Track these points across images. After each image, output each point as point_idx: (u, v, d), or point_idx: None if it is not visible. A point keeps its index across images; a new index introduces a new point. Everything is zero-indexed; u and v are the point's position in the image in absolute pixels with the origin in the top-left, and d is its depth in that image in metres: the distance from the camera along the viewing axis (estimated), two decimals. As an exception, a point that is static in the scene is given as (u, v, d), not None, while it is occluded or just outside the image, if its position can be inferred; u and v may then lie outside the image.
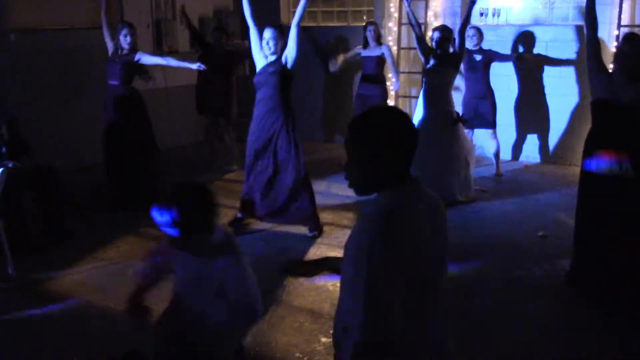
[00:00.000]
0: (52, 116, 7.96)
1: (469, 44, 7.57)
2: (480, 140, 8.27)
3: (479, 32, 7.65)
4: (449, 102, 6.77)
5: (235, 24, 10.21)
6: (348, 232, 5.97)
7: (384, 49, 8.13)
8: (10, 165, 5.32)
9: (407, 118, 2.01)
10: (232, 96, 8.62)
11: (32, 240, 5.53)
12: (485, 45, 7.83)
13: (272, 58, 5.64)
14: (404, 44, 9.11)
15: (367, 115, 2.04)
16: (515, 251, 5.50)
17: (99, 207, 6.72)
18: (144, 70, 6.82)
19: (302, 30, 10.06)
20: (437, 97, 6.74)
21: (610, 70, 4.62)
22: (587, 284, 4.61)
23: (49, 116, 7.92)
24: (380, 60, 8.18)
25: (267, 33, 5.62)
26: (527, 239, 5.76)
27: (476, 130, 7.80)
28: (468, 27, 7.26)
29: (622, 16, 7.65)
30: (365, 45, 8.19)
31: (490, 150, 8.14)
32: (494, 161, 7.98)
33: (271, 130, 5.65)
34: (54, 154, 7.20)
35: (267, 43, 5.60)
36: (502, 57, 7.76)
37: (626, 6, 7.71)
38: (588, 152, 4.55)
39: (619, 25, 7.64)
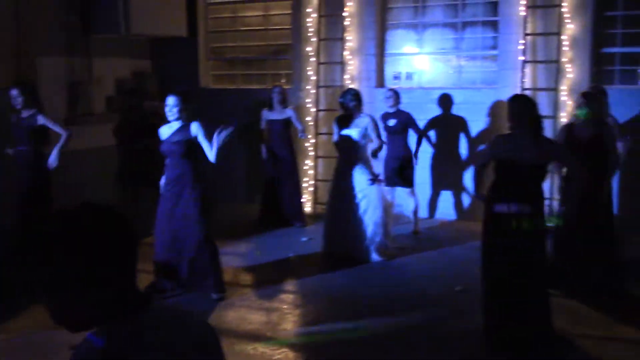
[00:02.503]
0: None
1: (386, 106, 7.86)
2: (399, 198, 8.45)
3: (395, 94, 7.92)
4: (361, 163, 6.90)
5: (153, 86, 10.16)
6: (270, 291, 5.88)
7: (289, 113, 8.31)
8: None
9: (116, 217, 1.46)
10: (153, 162, 8.44)
11: None
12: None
13: (177, 125, 5.60)
14: (322, 105, 9.31)
15: (64, 220, 1.43)
16: (433, 306, 5.56)
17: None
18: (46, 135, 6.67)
19: (222, 93, 10.22)
20: (347, 158, 6.89)
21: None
22: (499, 337, 4.70)
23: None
24: (287, 123, 8.35)
25: (170, 100, 5.58)
26: (445, 294, 5.85)
27: (396, 189, 7.99)
28: (385, 89, 7.70)
29: (524, 80, 8.13)
30: (271, 107, 8.34)
31: (408, 209, 8.31)
32: (412, 219, 8.15)
33: (175, 199, 5.60)
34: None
35: (170, 110, 5.56)
36: (413, 126, 8.01)
37: (528, 71, 8.22)
38: (488, 204, 4.72)
39: (523, 89, 8.10)
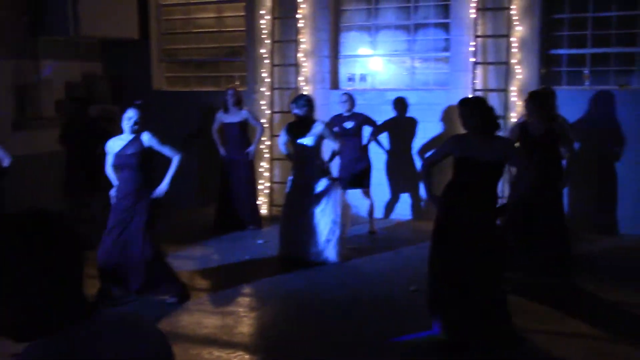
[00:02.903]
0: None
1: (342, 109, 7.92)
2: (355, 199, 8.50)
3: (350, 98, 7.97)
4: (316, 167, 6.90)
5: (104, 89, 9.99)
6: (226, 294, 5.83)
7: (245, 114, 8.26)
8: None
9: (60, 224, 1.42)
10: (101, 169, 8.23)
11: None
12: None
13: (128, 137, 5.54)
14: (277, 107, 9.29)
15: (6, 225, 1.38)
16: (389, 307, 5.60)
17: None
18: None
19: (176, 96, 10.10)
20: (302, 164, 6.89)
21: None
22: (454, 336, 4.76)
23: None
24: (243, 125, 8.29)
25: (130, 113, 5.54)
26: (401, 294, 5.90)
27: (352, 191, 8.05)
28: (341, 94, 7.79)
29: (475, 81, 8.27)
30: (226, 109, 8.28)
31: (364, 209, 8.37)
32: (368, 219, 8.21)
33: (128, 211, 5.54)
34: None
35: (128, 122, 5.50)
36: (371, 124, 8.08)
37: (479, 72, 8.37)
38: (443, 206, 4.79)
39: (474, 90, 8.25)
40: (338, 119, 7.95)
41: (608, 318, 5.24)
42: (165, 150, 5.64)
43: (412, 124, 8.78)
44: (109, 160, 5.67)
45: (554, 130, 5.91)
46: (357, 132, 7.94)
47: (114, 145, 5.60)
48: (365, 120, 7.99)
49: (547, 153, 5.81)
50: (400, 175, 8.93)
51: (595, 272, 6.41)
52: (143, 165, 5.53)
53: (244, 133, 8.35)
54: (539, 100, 5.88)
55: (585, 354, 4.56)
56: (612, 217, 8.01)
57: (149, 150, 5.56)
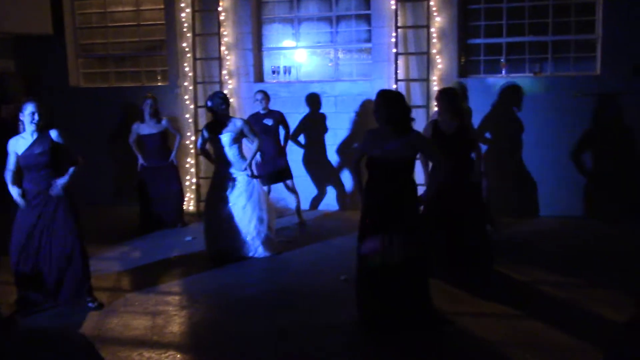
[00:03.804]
0: None
1: (259, 108, 7.93)
2: (281, 193, 8.51)
3: (266, 95, 7.97)
4: (236, 164, 6.83)
5: (17, 88, 9.55)
6: (155, 294, 5.69)
7: (164, 124, 8.09)
8: None
9: None
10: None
11: None
12: (279, 101, 8.17)
13: (33, 135, 5.21)
14: (201, 102, 9.15)
15: None
16: (320, 297, 5.63)
17: None
18: None
19: (94, 92, 9.78)
20: (222, 161, 6.82)
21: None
22: (376, 319, 4.86)
23: None
24: (163, 134, 8.10)
25: (29, 107, 5.15)
26: (331, 284, 5.95)
27: (276, 185, 8.05)
28: (255, 92, 7.93)
29: (397, 72, 8.41)
30: (142, 120, 8.08)
31: (291, 202, 8.39)
32: (296, 212, 8.24)
33: (39, 212, 5.27)
34: None
35: (30, 117, 5.13)
36: (284, 124, 8.07)
37: (401, 63, 8.51)
38: (364, 203, 4.93)
39: (396, 80, 8.39)
40: (256, 117, 7.94)
41: (525, 297, 5.47)
42: (68, 152, 5.30)
43: (335, 115, 8.84)
44: (11, 161, 5.25)
45: (464, 126, 6.11)
46: (276, 128, 7.98)
47: (17, 145, 5.24)
48: (281, 119, 8.03)
49: (458, 149, 5.99)
50: (325, 166, 8.99)
51: (513, 254, 6.67)
52: (55, 162, 5.22)
53: (164, 142, 8.18)
54: (447, 97, 6.03)
55: (505, 333, 4.74)
56: (532, 200, 8.34)
57: (60, 146, 5.25)
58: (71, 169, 5.30)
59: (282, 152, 8.05)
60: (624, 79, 7.86)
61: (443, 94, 6.09)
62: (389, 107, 4.79)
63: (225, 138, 6.70)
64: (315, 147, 8.97)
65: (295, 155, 8.73)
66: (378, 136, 4.85)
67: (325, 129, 8.92)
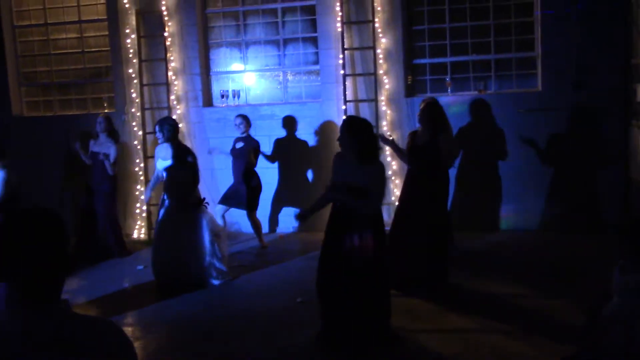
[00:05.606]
0: None
1: (238, 132, 7.93)
2: (237, 217, 8.42)
3: (246, 120, 7.94)
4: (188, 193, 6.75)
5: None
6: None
7: (112, 149, 7.88)
8: None
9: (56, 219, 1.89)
10: None
11: None
12: (229, 125, 8.10)
13: None
14: (149, 128, 9.03)
15: None
16: (275, 321, 5.57)
17: None
18: None
19: (38, 121, 9.54)
20: (175, 190, 6.74)
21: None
22: (336, 338, 4.84)
23: None
24: (107, 157, 7.89)
25: None
26: (288, 307, 5.90)
27: (232, 209, 7.97)
28: (235, 117, 7.94)
29: (346, 93, 8.49)
30: (95, 137, 8.02)
31: (247, 226, 8.30)
32: (257, 236, 8.14)
33: None
34: None
35: None
36: (250, 157, 7.93)
37: (349, 84, 8.59)
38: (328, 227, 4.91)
39: (345, 101, 8.46)
40: (234, 140, 7.96)
41: (483, 311, 5.52)
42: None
43: (288, 138, 8.84)
44: None
45: (438, 142, 6.05)
46: (245, 154, 7.86)
47: None
48: (252, 149, 7.92)
49: (424, 160, 6.04)
50: (282, 188, 8.95)
51: (474, 268, 6.76)
52: None
53: (107, 164, 7.92)
54: (421, 110, 6.17)
55: (462, 348, 4.78)
56: (494, 215, 8.45)
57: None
58: None
59: (246, 179, 7.85)
60: (564, 94, 8.10)
61: (421, 105, 6.36)
62: (352, 135, 4.67)
63: (168, 163, 6.70)
64: (271, 170, 8.89)
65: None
66: (340, 165, 4.81)
67: (279, 153, 8.86)
